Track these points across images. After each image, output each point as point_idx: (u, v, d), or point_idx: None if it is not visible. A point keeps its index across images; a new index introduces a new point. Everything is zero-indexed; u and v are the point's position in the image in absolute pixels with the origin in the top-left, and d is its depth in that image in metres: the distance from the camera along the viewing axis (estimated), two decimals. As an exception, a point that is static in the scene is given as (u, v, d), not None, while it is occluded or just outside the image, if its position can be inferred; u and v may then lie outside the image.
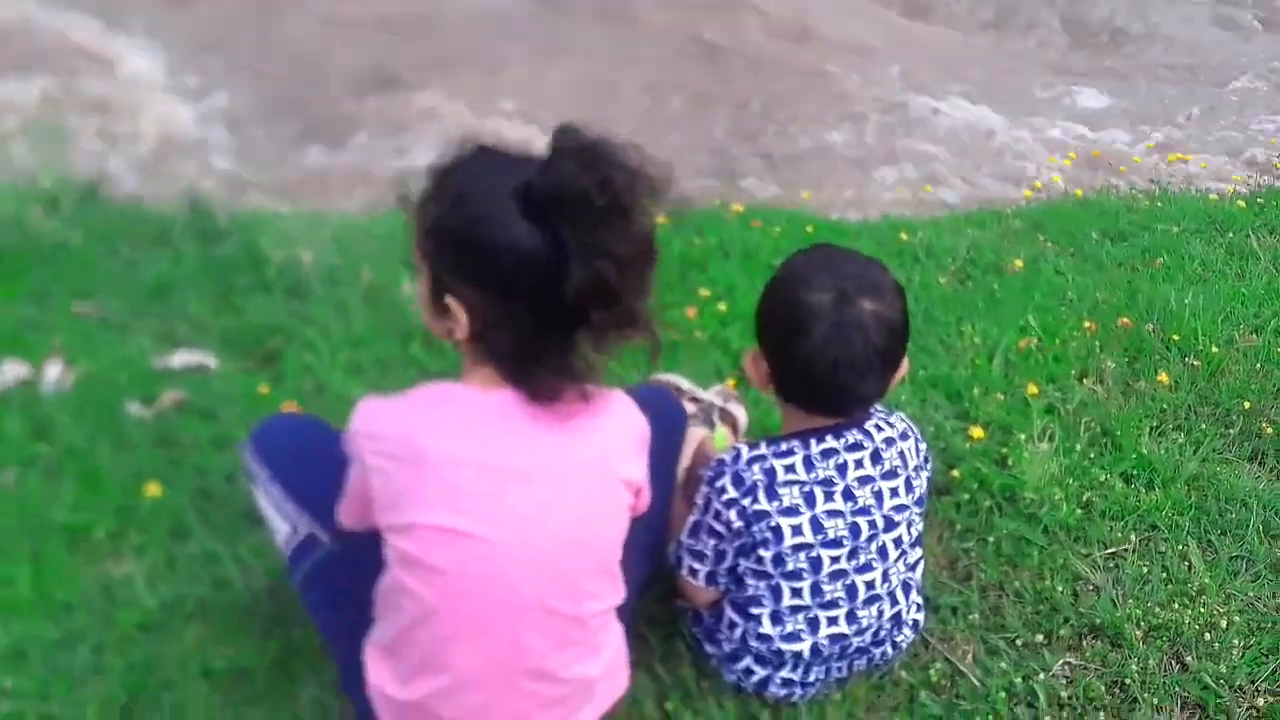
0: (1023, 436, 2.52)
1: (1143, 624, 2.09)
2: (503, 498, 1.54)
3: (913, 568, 1.95)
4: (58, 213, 3.01)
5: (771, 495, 1.79)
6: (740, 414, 2.46)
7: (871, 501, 1.83)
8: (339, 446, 1.86)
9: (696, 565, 1.88)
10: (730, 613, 1.89)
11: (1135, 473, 2.50)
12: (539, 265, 1.44)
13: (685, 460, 2.16)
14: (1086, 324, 3.04)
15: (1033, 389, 2.70)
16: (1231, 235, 3.83)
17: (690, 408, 2.39)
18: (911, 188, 4.17)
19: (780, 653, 1.86)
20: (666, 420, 1.98)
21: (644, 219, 1.48)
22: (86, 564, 2.08)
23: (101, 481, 2.24)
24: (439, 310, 1.56)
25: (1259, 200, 4.12)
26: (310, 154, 4.02)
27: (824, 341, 1.74)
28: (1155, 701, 1.96)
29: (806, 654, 1.86)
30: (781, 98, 4.84)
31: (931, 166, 4.30)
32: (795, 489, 1.80)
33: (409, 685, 1.63)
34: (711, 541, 1.85)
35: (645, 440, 1.68)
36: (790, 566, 1.81)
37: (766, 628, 1.85)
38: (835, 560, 1.82)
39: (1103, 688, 1.97)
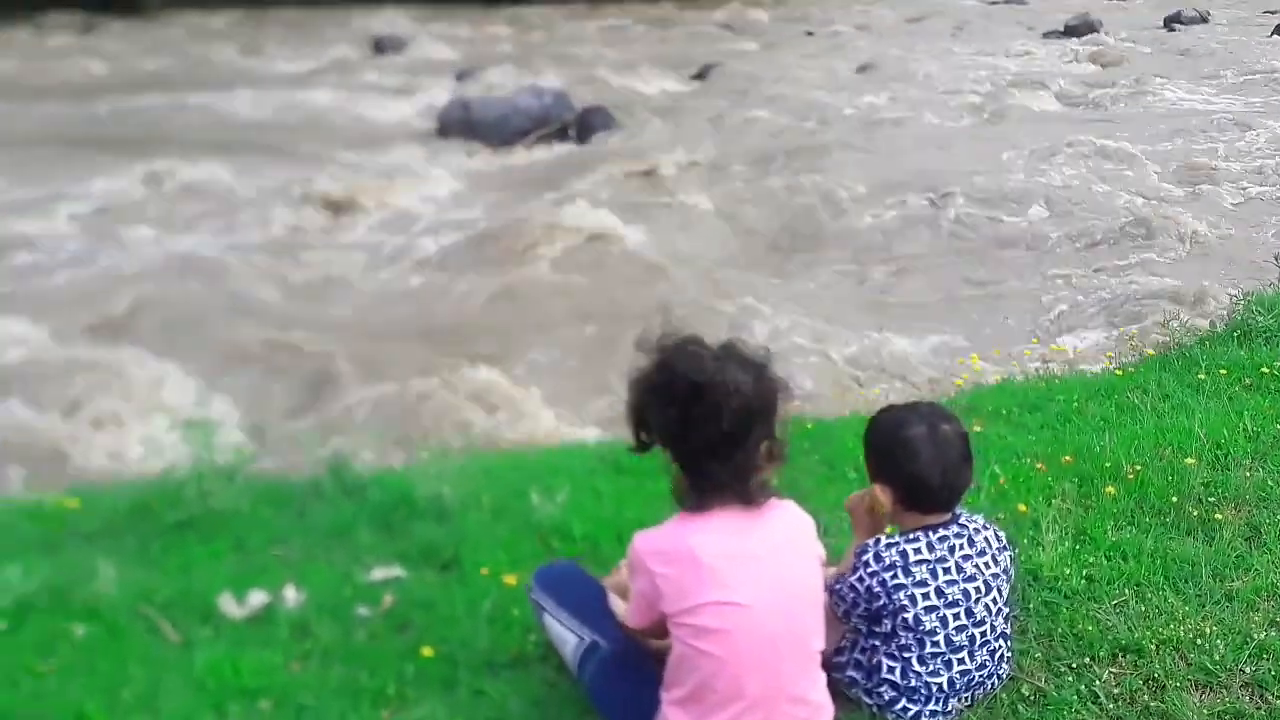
0: (1025, 540, 3.38)
1: (1154, 640, 2.92)
2: (748, 574, 2.34)
3: (1008, 621, 2.76)
4: (229, 485, 3.70)
5: (906, 572, 2.60)
6: None
7: (974, 572, 2.66)
8: (587, 578, 2.68)
9: (840, 603, 2.66)
10: (886, 661, 2.65)
11: (1111, 554, 3.37)
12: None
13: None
14: (1038, 465, 3.99)
15: (1022, 508, 3.59)
16: (1117, 397, 4.89)
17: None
18: (866, 391, 5.20)
19: (928, 685, 2.63)
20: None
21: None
22: (390, 715, 2.71)
23: (372, 658, 2.90)
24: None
25: (1129, 369, 5.25)
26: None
27: (931, 459, 2.61)
28: (1175, 685, 2.77)
29: (945, 686, 2.63)
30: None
31: (876, 379, 5.36)
32: (924, 566, 2.62)
33: (706, 720, 2.34)
34: (850, 595, 2.64)
35: (813, 529, 2.51)
36: (927, 625, 2.60)
37: (916, 666, 2.62)
38: (956, 617, 2.62)
39: (1140, 682, 2.79)
